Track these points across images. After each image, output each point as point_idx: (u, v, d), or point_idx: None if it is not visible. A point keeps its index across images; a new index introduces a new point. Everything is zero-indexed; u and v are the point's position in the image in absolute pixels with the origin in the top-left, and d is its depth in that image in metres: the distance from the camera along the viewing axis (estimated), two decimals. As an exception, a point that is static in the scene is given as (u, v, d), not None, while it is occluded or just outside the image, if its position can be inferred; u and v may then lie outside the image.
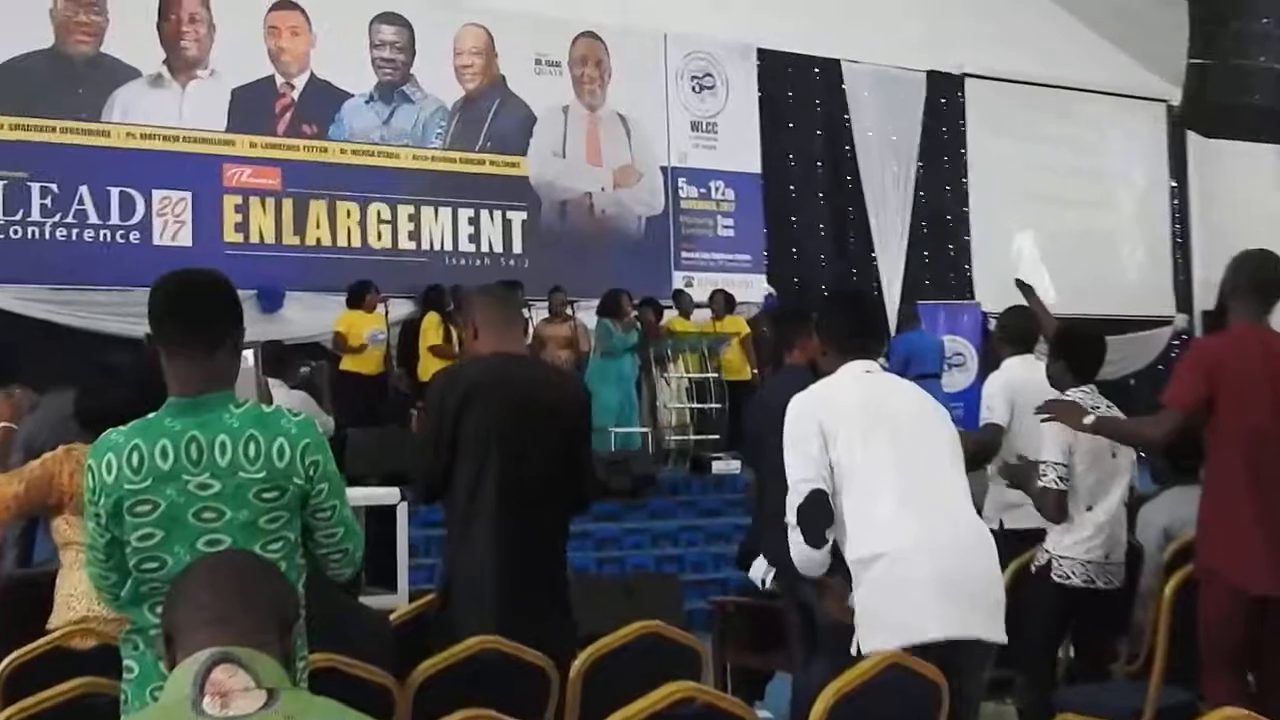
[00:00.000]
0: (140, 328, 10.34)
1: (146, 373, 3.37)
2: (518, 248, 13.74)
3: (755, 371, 13.39)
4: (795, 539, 3.82)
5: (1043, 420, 4.96)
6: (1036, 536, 5.14)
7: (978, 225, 16.49)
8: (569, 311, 12.55)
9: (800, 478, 3.82)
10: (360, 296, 11.93)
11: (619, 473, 10.72)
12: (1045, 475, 4.98)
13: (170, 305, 2.93)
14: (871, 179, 15.83)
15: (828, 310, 4.33)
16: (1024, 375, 5.85)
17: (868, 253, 15.79)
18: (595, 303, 12.65)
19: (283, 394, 7.50)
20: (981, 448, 5.68)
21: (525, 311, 11.93)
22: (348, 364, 11.75)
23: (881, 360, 4.29)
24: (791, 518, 3.82)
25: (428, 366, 11.35)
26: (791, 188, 15.45)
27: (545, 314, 12.47)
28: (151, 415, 2.91)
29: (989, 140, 16.60)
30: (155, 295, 2.94)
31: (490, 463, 4.16)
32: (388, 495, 6.88)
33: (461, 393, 4.20)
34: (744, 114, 15.19)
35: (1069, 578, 4.95)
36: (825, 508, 3.78)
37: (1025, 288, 6.72)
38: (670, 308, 13.50)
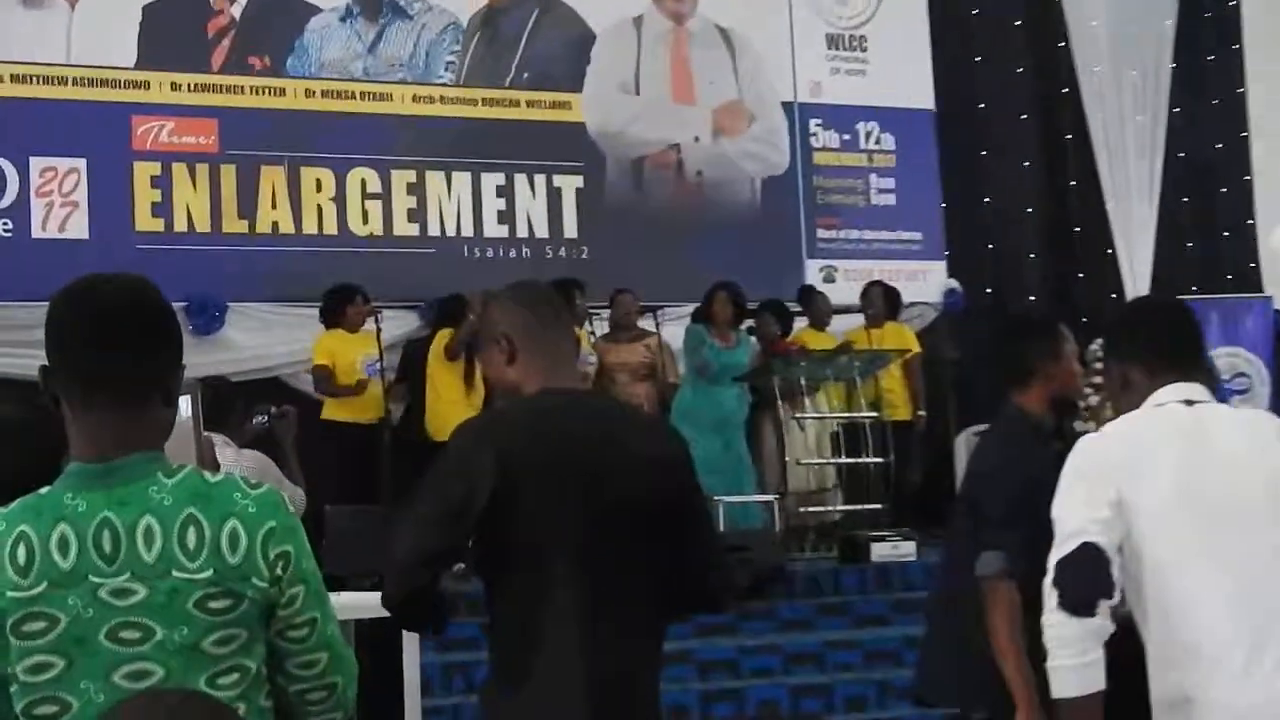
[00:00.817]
0: (16, 360, 10.52)
1: (42, 427, 3.41)
2: (570, 230, 13.86)
3: (922, 413, 13.36)
4: (1050, 604, 3.87)
5: None
6: None
7: (1264, 184, 16.38)
8: (649, 325, 12.54)
9: (1072, 529, 3.86)
10: (339, 309, 11.92)
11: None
12: None
13: (81, 329, 2.95)
14: (1102, 114, 15.79)
15: (1134, 320, 4.40)
16: None
17: (1100, 224, 15.76)
18: (688, 309, 12.69)
19: (231, 455, 7.58)
20: None
21: (587, 325, 12.05)
22: (332, 410, 11.80)
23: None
24: (1050, 575, 3.87)
25: (440, 411, 11.31)
26: (982, 132, 15.46)
27: (609, 329, 12.49)
28: (45, 490, 2.93)
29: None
30: (58, 314, 2.96)
31: (557, 559, 4.09)
32: (388, 604, 6.91)
33: (505, 455, 4.09)
34: (907, 23, 15.26)
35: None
36: (1099, 569, 3.81)
37: None
38: (802, 313, 13.49)
